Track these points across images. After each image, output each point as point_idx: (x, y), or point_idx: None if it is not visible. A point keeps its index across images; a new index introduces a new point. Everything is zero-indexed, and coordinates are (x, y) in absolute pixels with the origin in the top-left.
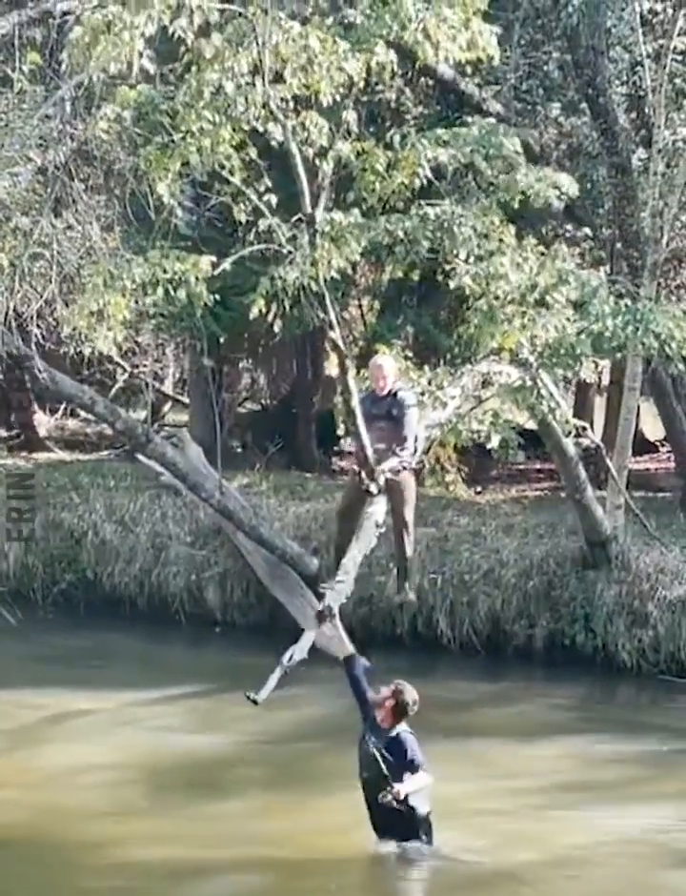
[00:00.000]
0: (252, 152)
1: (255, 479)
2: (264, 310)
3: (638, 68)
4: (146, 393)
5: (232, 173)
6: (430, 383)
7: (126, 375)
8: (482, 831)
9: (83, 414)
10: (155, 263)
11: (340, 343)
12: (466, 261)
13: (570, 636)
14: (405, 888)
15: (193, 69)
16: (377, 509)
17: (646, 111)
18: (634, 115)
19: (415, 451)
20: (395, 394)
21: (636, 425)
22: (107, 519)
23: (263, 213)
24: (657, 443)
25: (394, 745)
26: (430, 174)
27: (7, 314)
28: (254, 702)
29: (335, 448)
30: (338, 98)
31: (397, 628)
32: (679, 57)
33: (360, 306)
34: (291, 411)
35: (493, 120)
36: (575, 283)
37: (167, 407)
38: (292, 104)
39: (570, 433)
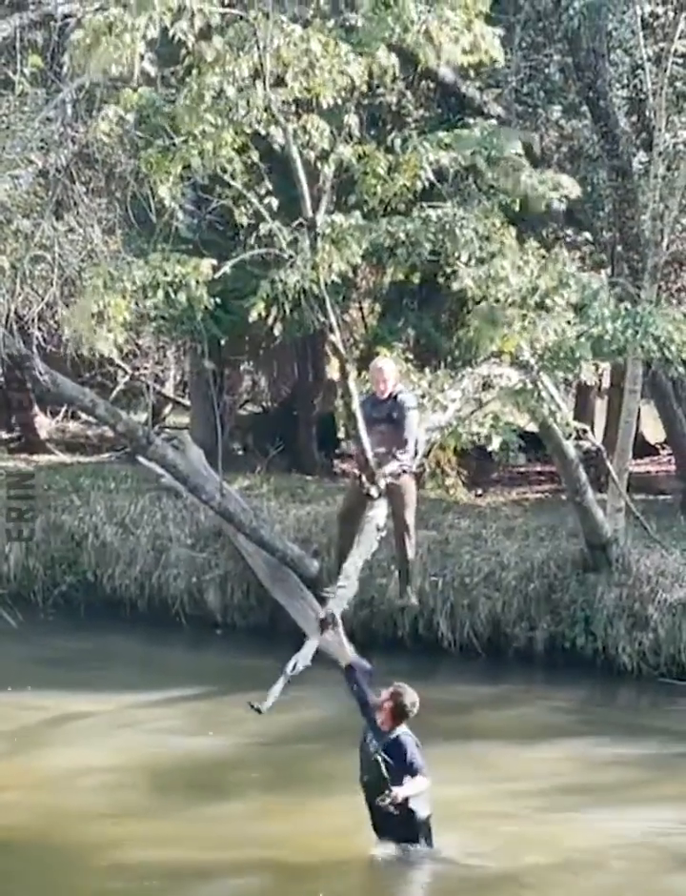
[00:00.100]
0: (254, 156)
1: (256, 482)
2: (263, 313)
3: (639, 71)
4: (147, 395)
5: (233, 178)
6: (430, 385)
7: (127, 377)
8: (483, 834)
9: (84, 416)
10: (156, 266)
11: (341, 347)
12: (467, 264)
13: (570, 638)
14: (405, 892)
15: (194, 72)
16: (378, 513)
17: (647, 114)
18: (634, 118)
19: (416, 454)
20: (396, 396)
21: (637, 428)
22: (107, 521)
23: (264, 216)
24: (658, 446)
25: (394, 747)
26: (432, 177)
27: (8, 316)
28: (258, 711)
29: (336, 450)
30: (340, 101)
31: (398, 631)
32: (680, 60)
33: (361, 308)
34: (291, 413)
35: (494, 122)
36: (576, 286)
37: (168, 409)
38: (293, 107)
39: (570, 435)
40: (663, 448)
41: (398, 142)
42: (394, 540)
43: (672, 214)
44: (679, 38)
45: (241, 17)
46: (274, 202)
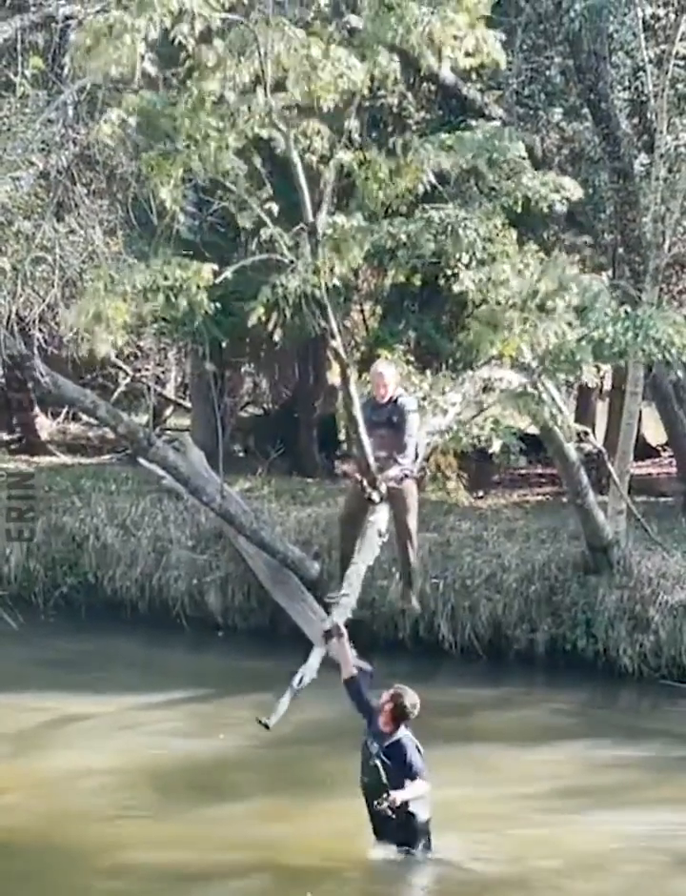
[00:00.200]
0: (256, 161)
1: (257, 484)
2: (263, 318)
3: (640, 73)
4: (148, 397)
5: (234, 183)
6: (431, 388)
7: (128, 379)
8: (483, 836)
9: (85, 418)
10: (157, 270)
11: (342, 353)
12: (469, 266)
13: (571, 640)
14: (405, 894)
15: (195, 74)
16: (380, 518)
17: (648, 116)
18: (636, 120)
19: (416, 457)
20: (396, 400)
21: (638, 430)
22: (108, 522)
23: (265, 222)
24: (659, 448)
25: (394, 750)
26: (433, 180)
27: (9, 317)
28: (266, 726)
29: (337, 452)
30: (341, 105)
31: (399, 633)
32: (681, 62)
33: (362, 310)
34: (292, 415)
35: (497, 124)
36: (577, 289)
37: (169, 411)
38: (294, 111)
39: (571, 438)
40: (664, 450)
41: (399, 146)
42: (397, 546)
43: (673, 217)
44: (681, 40)
45: (242, 22)
46: (275, 208)
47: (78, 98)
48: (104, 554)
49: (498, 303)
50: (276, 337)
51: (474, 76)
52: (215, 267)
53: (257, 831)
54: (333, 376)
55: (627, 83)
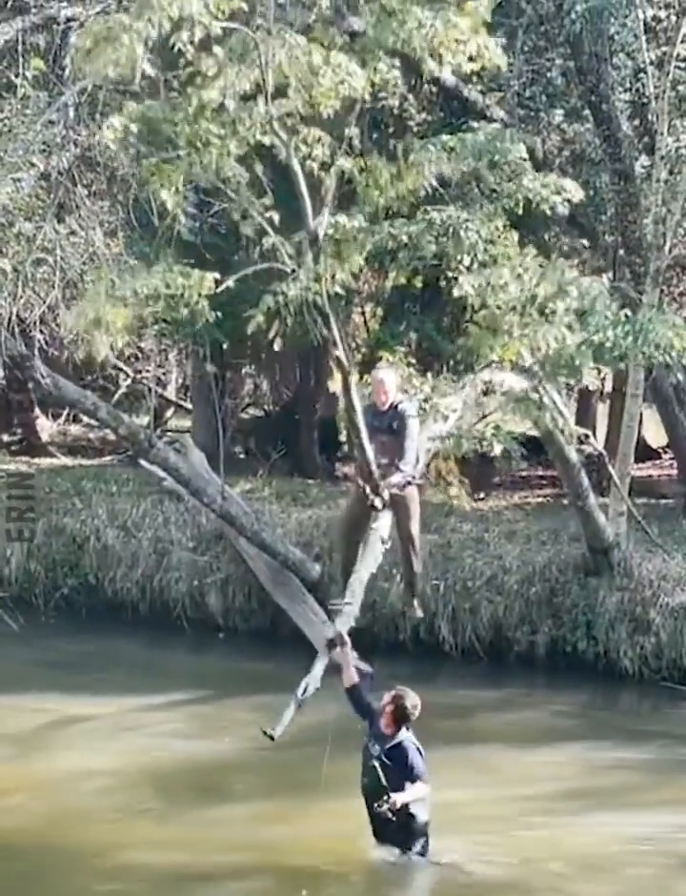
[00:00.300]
0: (258, 168)
1: (258, 485)
2: (263, 325)
3: (641, 75)
4: (149, 398)
5: (236, 191)
6: (433, 391)
7: (129, 380)
8: (484, 837)
9: (86, 419)
10: (158, 279)
11: (344, 360)
12: (470, 268)
13: (572, 642)
14: None
15: (196, 82)
16: (382, 524)
17: (649, 117)
18: (637, 122)
19: (417, 462)
20: (396, 407)
21: (639, 432)
22: (109, 524)
23: (266, 230)
24: (660, 450)
25: (395, 752)
26: (434, 183)
27: (10, 319)
28: (271, 737)
29: (338, 454)
30: (341, 111)
31: (400, 634)
32: (682, 64)
33: (363, 313)
34: (293, 417)
35: (498, 125)
36: (577, 293)
37: (169, 413)
38: (295, 118)
39: (572, 440)
40: (665, 452)
41: (400, 149)
42: (400, 553)
43: (674, 219)
44: (682, 42)
45: (243, 30)
46: (276, 216)
47: (79, 100)
48: (105, 555)
49: (498, 307)
50: (276, 346)
51: (475, 78)
52: (217, 276)
53: (258, 833)
54: (335, 384)
55: (628, 85)
